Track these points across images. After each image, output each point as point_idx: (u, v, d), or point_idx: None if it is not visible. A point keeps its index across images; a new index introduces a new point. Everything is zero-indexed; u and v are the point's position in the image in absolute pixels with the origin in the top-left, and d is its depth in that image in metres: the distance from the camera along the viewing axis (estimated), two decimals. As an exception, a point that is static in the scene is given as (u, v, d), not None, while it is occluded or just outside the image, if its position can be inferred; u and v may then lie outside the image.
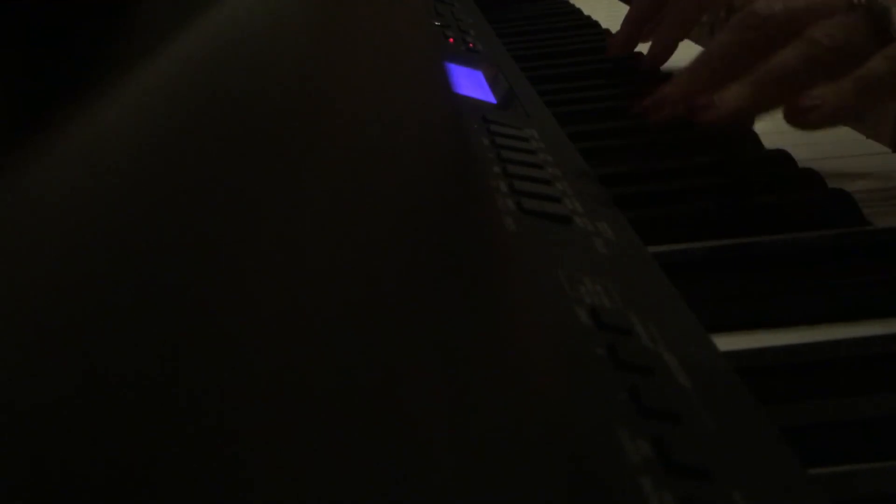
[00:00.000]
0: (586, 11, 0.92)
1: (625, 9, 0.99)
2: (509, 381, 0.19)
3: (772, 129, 0.53)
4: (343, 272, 0.16)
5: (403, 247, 0.19)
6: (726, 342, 0.30)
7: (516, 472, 0.15)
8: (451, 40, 0.65)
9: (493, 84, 0.56)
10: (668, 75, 0.66)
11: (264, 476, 0.10)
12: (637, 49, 0.71)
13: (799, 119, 0.40)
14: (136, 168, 0.15)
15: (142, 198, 0.14)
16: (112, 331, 0.11)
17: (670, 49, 0.66)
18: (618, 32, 0.69)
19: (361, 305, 0.15)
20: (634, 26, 0.67)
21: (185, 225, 0.14)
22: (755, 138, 0.51)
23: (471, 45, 0.66)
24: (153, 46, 0.18)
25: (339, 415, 0.12)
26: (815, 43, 0.40)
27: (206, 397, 0.11)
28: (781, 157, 0.48)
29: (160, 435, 0.10)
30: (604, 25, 0.84)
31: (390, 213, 0.20)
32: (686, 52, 0.70)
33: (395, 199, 0.21)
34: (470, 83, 0.54)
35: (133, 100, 0.16)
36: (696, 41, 0.75)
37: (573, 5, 0.96)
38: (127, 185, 0.14)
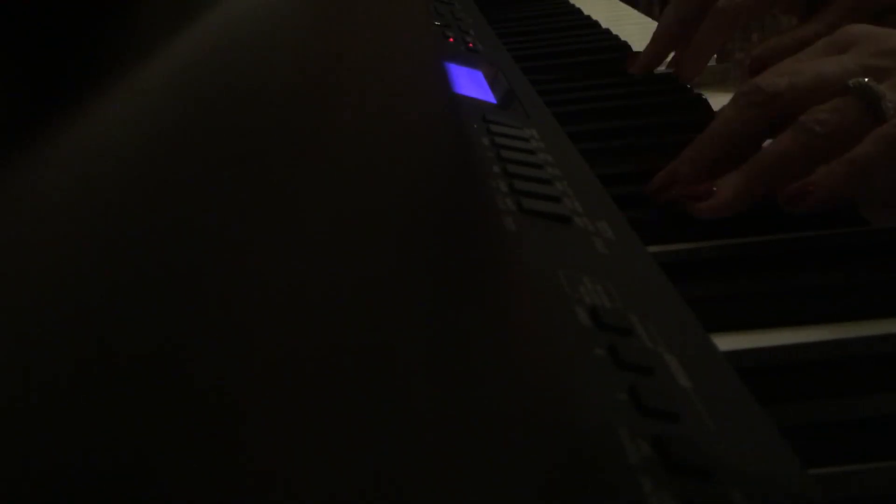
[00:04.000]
0: (586, 11, 0.92)
1: (625, 9, 1.00)
2: (509, 381, 0.19)
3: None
4: (342, 272, 0.16)
5: (402, 247, 0.19)
6: (726, 342, 0.30)
7: (516, 472, 0.15)
8: (451, 40, 0.65)
9: (493, 84, 0.56)
10: (668, 76, 0.66)
11: (264, 474, 0.10)
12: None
13: (792, 206, 0.40)
14: (136, 169, 0.15)
15: (141, 198, 0.14)
16: (113, 330, 0.11)
17: (702, 67, 0.66)
18: (644, 51, 0.68)
19: (360, 305, 0.15)
20: (662, 45, 0.67)
21: (185, 225, 0.14)
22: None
23: (471, 45, 0.66)
24: (152, 46, 0.18)
25: (337, 416, 0.12)
26: (809, 130, 0.40)
27: (207, 395, 0.11)
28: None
29: (160, 432, 0.10)
30: (604, 25, 0.84)
31: (389, 212, 0.20)
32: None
33: (394, 198, 0.21)
34: (470, 83, 0.54)
35: (132, 100, 0.16)
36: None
37: (573, 5, 0.97)
38: (127, 185, 0.14)
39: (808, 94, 0.42)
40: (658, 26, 0.68)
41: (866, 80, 0.41)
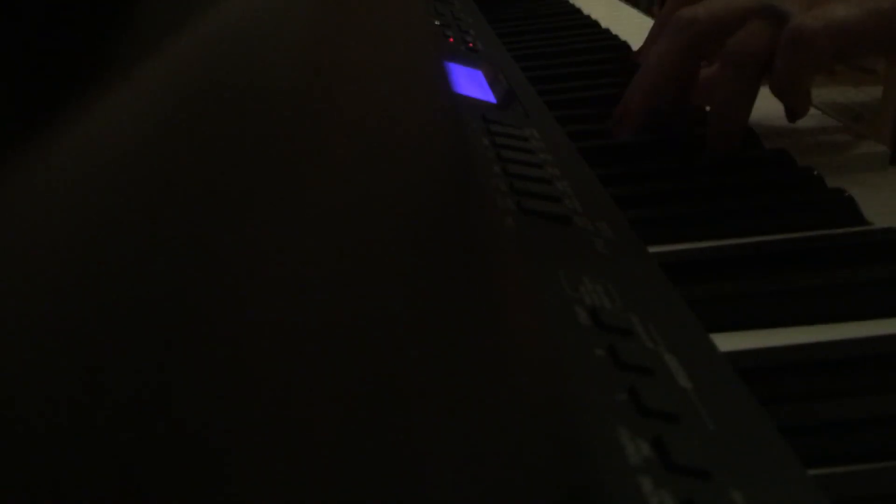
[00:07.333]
0: (586, 11, 0.92)
1: (625, 9, 0.99)
2: (509, 382, 0.19)
3: (772, 128, 0.53)
4: (342, 272, 0.16)
5: (402, 246, 0.19)
6: (726, 342, 0.30)
7: (516, 472, 0.15)
8: (451, 40, 0.65)
9: (493, 84, 0.55)
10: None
11: (263, 476, 0.10)
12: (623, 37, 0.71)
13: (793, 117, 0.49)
14: (135, 169, 0.15)
15: (140, 198, 0.14)
16: (113, 330, 0.11)
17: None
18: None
19: (360, 305, 0.15)
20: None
21: (184, 224, 0.14)
22: (755, 138, 0.51)
23: (471, 44, 0.66)
24: (151, 46, 0.18)
25: (337, 416, 0.12)
26: (734, 61, 0.47)
27: (206, 397, 0.11)
28: (781, 157, 0.48)
29: (160, 435, 0.10)
30: (604, 25, 0.84)
31: (389, 212, 0.20)
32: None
33: (393, 198, 0.21)
34: (470, 83, 0.54)
35: (131, 100, 0.16)
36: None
37: (573, 5, 0.96)
38: (126, 185, 0.14)
39: (723, 19, 0.48)
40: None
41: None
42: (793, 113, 0.49)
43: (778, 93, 0.48)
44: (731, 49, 0.47)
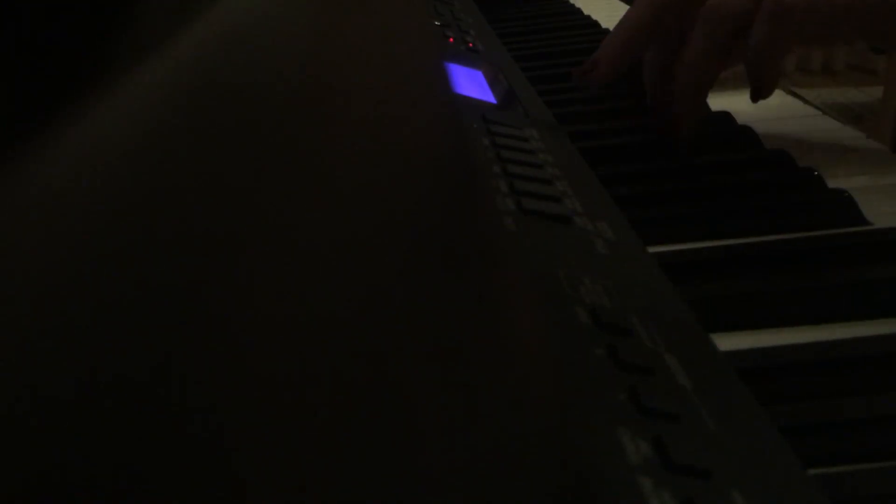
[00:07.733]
0: (586, 11, 0.92)
1: (625, 8, 0.99)
2: (508, 382, 0.19)
3: (772, 129, 0.53)
4: (340, 272, 0.16)
5: (401, 247, 0.19)
6: (726, 342, 0.30)
7: (515, 473, 0.15)
8: (451, 40, 0.65)
9: (493, 84, 0.55)
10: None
11: (261, 478, 0.10)
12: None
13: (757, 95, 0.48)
14: (133, 169, 0.15)
15: (140, 198, 0.14)
16: (113, 332, 0.11)
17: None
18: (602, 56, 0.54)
19: (359, 306, 0.15)
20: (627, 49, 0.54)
21: (185, 224, 0.14)
22: (755, 138, 0.51)
23: (471, 44, 0.66)
24: (150, 46, 0.18)
25: (335, 417, 0.12)
26: (711, 20, 0.48)
27: (206, 399, 0.11)
28: (781, 157, 0.48)
29: (159, 437, 0.10)
30: (604, 25, 0.84)
31: (388, 212, 0.20)
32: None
33: (393, 198, 0.21)
34: (470, 83, 0.54)
35: (131, 100, 0.16)
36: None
37: (573, 5, 0.96)
38: (125, 186, 0.14)
39: None
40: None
41: None
42: (757, 90, 0.47)
43: (749, 65, 0.47)
44: (706, 8, 0.48)
